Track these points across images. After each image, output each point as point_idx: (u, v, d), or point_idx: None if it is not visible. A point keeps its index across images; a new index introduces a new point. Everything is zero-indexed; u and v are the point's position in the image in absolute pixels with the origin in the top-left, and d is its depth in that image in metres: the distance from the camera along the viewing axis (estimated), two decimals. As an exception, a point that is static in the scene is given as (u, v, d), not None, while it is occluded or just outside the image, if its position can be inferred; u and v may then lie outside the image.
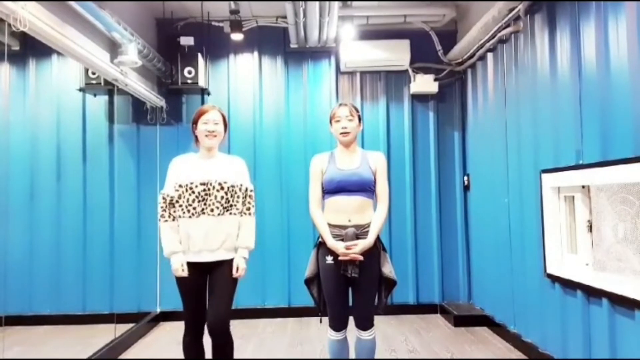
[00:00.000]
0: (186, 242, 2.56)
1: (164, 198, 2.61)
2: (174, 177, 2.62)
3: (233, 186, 2.63)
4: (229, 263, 2.62)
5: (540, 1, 3.45)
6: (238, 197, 2.65)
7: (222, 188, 2.59)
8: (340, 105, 2.76)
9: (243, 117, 5.13)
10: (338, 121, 2.71)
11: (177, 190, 2.58)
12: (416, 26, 5.07)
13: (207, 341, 2.66)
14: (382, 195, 2.69)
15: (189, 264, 2.56)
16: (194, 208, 2.55)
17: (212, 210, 2.56)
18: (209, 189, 2.57)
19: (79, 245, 4.50)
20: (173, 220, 2.60)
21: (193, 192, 2.56)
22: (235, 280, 2.66)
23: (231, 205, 2.61)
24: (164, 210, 2.60)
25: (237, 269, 2.62)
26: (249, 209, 2.71)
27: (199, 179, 2.58)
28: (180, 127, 5.07)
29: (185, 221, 2.56)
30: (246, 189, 2.72)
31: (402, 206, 5.12)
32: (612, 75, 2.67)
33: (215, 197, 2.57)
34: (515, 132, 3.87)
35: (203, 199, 2.56)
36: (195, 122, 2.68)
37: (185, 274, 2.55)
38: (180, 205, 2.56)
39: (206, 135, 2.63)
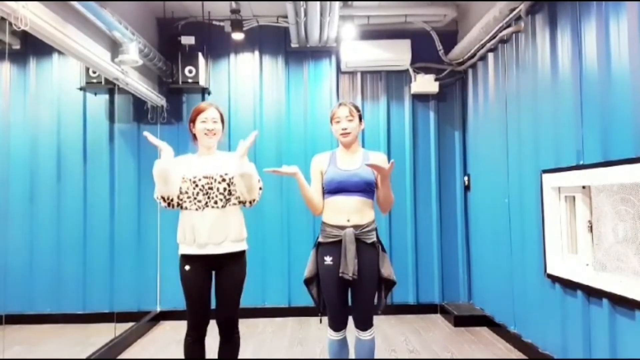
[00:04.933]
0: (191, 234, 2.56)
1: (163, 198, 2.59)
2: (178, 166, 2.58)
3: (234, 177, 2.62)
4: (236, 258, 2.61)
5: (542, 1, 3.45)
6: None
7: (224, 180, 2.59)
8: (340, 105, 2.74)
9: (243, 117, 5.13)
10: (338, 122, 2.70)
11: (185, 182, 2.58)
12: (417, 26, 5.07)
13: (208, 341, 2.66)
14: None
15: (195, 259, 2.56)
16: (199, 201, 2.56)
17: (215, 202, 2.56)
18: (211, 182, 2.57)
19: (79, 244, 4.50)
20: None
21: (197, 186, 2.56)
22: (243, 278, 2.66)
23: (232, 196, 2.60)
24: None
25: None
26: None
27: (202, 173, 2.58)
28: (181, 126, 5.07)
29: (192, 213, 2.57)
30: None
31: (402, 206, 5.11)
32: (613, 75, 2.67)
33: (218, 189, 2.57)
34: (516, 132, 3.87)
35: (207, 192, 2.56)
36: (192, 121, 2.66)
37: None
38: (189, 197, 2.57)
39: (205, 134, 2.62)
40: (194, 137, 2.69)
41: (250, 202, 2.62)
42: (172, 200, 2.57)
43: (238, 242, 2.63)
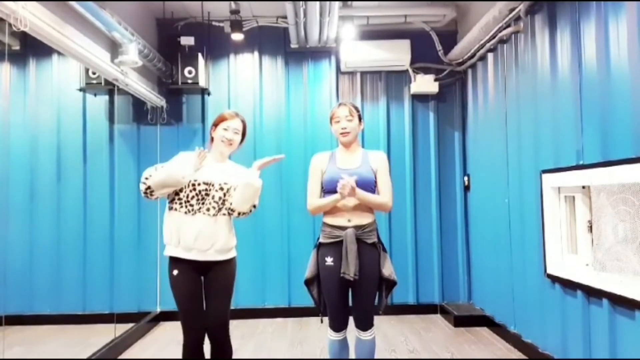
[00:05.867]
0: (177, 236, 2.53)
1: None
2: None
3: (233, 188, 2.61)
4: (224, 263, 2.60)
5: (541, 1, 3.45)
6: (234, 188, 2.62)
7: (222, 189, 2.58)
8: (340, 105, 2.75)
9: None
10: (337, 122, 2.70)
11: None
12: (416, 26, 5.07)
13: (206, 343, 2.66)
14: (384, 192, 2.67)
15: (183, 262, 2.54)
16: (191, 205, 2.53)
17: (208, 209, 2.55)
18: (209, 190, 2.56)
19: (79, 245, 4.50)
20: None
21: (194, 189, 2.54)
22: (232, 282, 2.65)
23: (224, 206, 2.59)
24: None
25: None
26: None
27: (203, 178, 2.56)
28: (180, 127, 5.08)
29: (180, 216, 2.54)
30: None
31: (402, 206, 5.11)
32: (612, 75, 2.67)
33: (214, 197, 2.56)
34: (516, 132, 3.87)
35: (202, 199, 2.55)
36: (215, 125, 2.67)
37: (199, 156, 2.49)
38: (180, 199, 2.55)
39: (222, 141, 2.63)
40: (212, 139, 2.70)
41: (239, 214, 2.61)
42: (152, 192, 2.50)
43: (224, 252, 2.60)
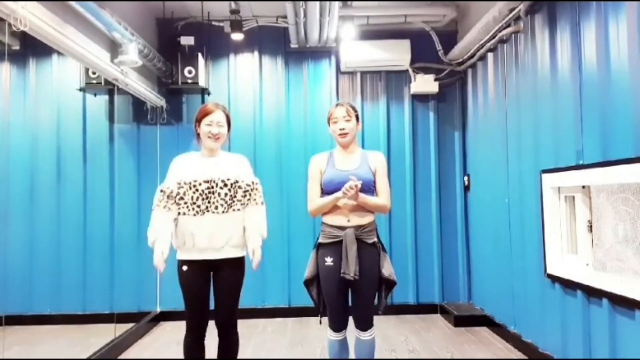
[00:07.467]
0: (190, 240, 2.53)
1: (162, 191, 2.54)
2: (175, 175, 2.58)
3: (237, 182, 2.59)
4: (236, 261, 2.61)
5: (541, 1, 3.45)
6: (243, 191, 2.62)
7: (226, 185, 2.56)
8: (337, 105, 2.73)
9: (243, 117, 5.13)
10: (335, 122, 2.69)
11: (182, 187, 2.54)
12: (416, 26, 5.07)
13: (208, 342, 2.66)
14: (382, 193, 2.67)
15: (193, 262, 2.55)
16: (198, 206, 2.52)
17: (216, 207, 2.54)
18: (212, 187, 2.54)
19: (79, 245, 4.50)
20: (168, 210, 2.54)
21: (197, 190, 2.52)
22: (242, 278, 2.66)
23: (234, 202, 2.58)
24: (161, 201, 2.53)
25: (254, 254, 2.57)
26: (255, 199, 2.66)
27: (202, 177, 2.54)
28: (180, 127, 5.08)
29: (190, 219, 2.53)
30: (252, 182, 2.66)
31: (402, 206, 5.11)
32: (612, 75, 2.67)
33: (219, 194, 2.54)
34: (516, 132, 3.87)
35: (207, 197, 2.53)
36: (198, 121, 2.64)
37: (162, 265, 2.48)
38: (186, 203, 2.53)
39: (209, 137, 2.60)
40: (198, 136, 2.67)
41: None
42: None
43: (238, 247, 2.62)
